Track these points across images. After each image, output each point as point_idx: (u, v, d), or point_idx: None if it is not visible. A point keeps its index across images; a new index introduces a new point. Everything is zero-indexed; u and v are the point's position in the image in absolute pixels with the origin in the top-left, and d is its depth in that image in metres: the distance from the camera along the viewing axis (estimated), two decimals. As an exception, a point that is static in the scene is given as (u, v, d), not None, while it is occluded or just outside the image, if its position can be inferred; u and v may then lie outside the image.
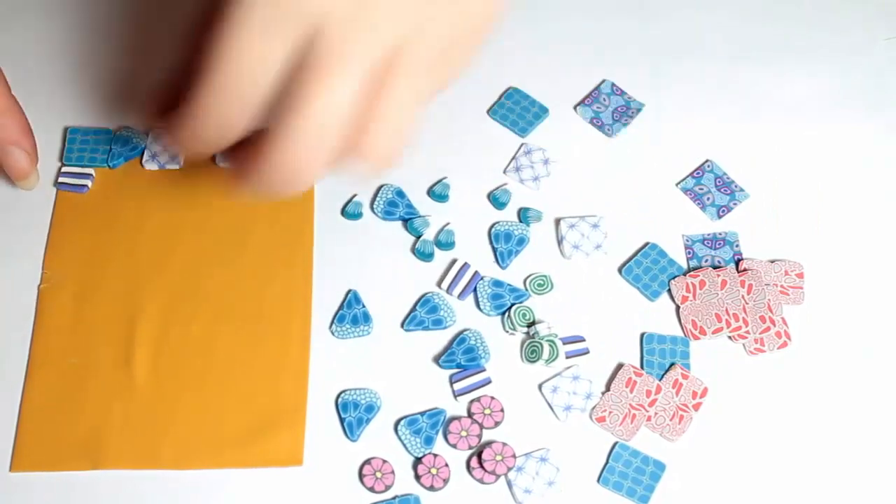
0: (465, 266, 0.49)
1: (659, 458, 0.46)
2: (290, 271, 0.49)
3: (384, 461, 0.45)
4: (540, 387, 0.47)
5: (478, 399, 0.46)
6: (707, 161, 0.53)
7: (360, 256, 0.50)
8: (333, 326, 0.48)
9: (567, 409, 0.46)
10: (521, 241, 0.50)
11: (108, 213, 0.50)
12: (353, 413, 0.46)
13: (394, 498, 0.44)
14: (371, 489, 0.44)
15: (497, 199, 0.51)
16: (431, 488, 0.45)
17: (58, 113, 0.52)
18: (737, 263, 0.50)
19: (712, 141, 0.54)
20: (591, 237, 0.50)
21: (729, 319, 0.48)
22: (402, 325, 0.48)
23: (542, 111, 0.54)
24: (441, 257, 0.50)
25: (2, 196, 0.51)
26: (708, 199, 0.52)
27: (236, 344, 0.47)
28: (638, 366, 0.48)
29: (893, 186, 0.53)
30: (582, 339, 0.48)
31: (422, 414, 0.46)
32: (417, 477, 0.45)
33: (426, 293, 0.49)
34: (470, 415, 0.46)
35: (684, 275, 0.50)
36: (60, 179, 0.51)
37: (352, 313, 0.48)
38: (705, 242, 0.51)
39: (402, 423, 0.46)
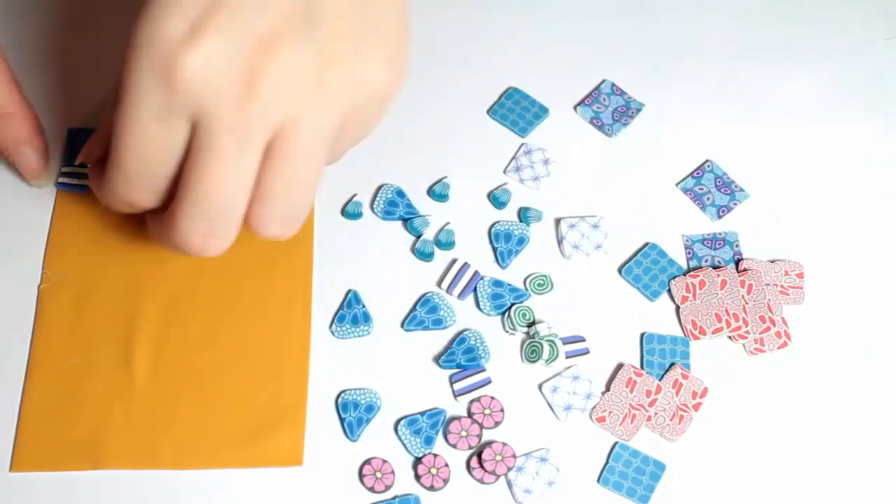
0: (465, 266, 0.49)
1: (659, 458, 0.46)
2: (290, 271, 0.49)
3: (384, 461, 0.45)
4: (540, 387, 0.47)
5: (478, 399, 0.46)
6: (707, 161, 0.53)
7: (360, 256, 0.50)
8: (333, 326, 0.48)
9: (567, 409, 0.46)
10: (521, 241, 0.50)
11: (108, 214, 0.50)
12: (353, 413, 0.46)
13: (394, 498, 0.44)
14: (371, 489, 0.44)
15: (497, 199, 0.51)
16: (431, 488, 0.45)
17: (58, 113, 0.52)
18: (737, 263, 0.50)
19: (712, 141, 0.54)
20: (591, 237, 0.50)
21: (729, 319, 0.48)
22: (402, 325, 0.48)
23: (542, 111, 0.54)
24: (441, 257, 0.50)
25: (2, 196, 0.51)
26: (708, 199, 0.52)
27: (236, 344, 0.47)
28: (638, 366, 0.48)
29: (893, 186, 0.53)
30: (582, 339, 0.48)
31: (422, 414, 0.46)
32: (417, 477, 0.45)
33: (426, 293, 0.49)
34: (470, 415, 0.46)
35: (684, 275, 0.50)
36: (60, 179, 0.51)
37: (352, 313, 0.48)
38: (705, 242, 0.51)
39: (402, 423, 0.46)
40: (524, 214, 0.51)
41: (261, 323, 0.48)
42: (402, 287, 0.49)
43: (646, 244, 0.51)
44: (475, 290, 0.49)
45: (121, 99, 0.38)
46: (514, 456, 0.45)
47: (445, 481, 0.45)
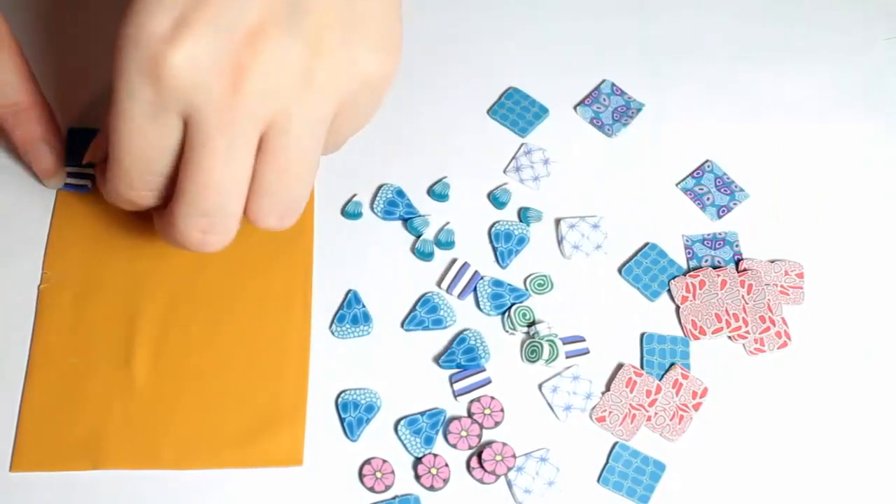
0: (465, 266, 0.49)
1: (659, 458, 0.46)
2: (290, 271, 0.49)
3: (384, 461, 0.45)
4: (540, 387, 0.47)
5: (478, 399, 0.46)
6: (707, 161, 0.53)
7: (360, 256, 0.50)
8: (333, 326, 0.48)
9: (567, 409, 0.46)
10: (521, 241, 0.50)
11: (108, 213, 0.50)
12: (353, 413, 0.46)
13: (394, 498, 0.44)
14: (371, 489, 0.44)
15: (497, 199, 0.51)
16: (431, 488, 0.45)
17: (58, 114, 0.52)
18: (737, 263, 0.50)
19: (712, 141, 0.54)
20: (591, 237, 0.50)
21: (729, 319, 0.48)
22: (402, 325, 0.48)
23: (542, 111, 0.54)
24: (441, 257, 0.50)
25: (2, 196, 0.51)
26: (708, 199, 0.52)
27: (236, 344, 0.47)
28: (638, 366, 0.48)
29: (893, 186, 0.53)
30: (582, 339, 0.48)
31: (422, 414, 0.46)
32: (417, 477, 0.45)
33: (426, 293, 0.49)
34: (470, 415, 0.46)
35: (684, 275, 0.50)
36: (60, 179, 0.51)
37: (352, 313, 0.48)
38: (705, 242, 0.51)
39: (402, 423, 0.46)
40: (524, 214, 0.51)
41: (261, 323, 0.48)
42: (402, 287, 0.49)
43: (646, 244, 0.51)
44: (475, 289, 0.49)
45: (113, 99, 0.37)
46: (514, 456, 0.45)
47: (445, 481, 0.45)
